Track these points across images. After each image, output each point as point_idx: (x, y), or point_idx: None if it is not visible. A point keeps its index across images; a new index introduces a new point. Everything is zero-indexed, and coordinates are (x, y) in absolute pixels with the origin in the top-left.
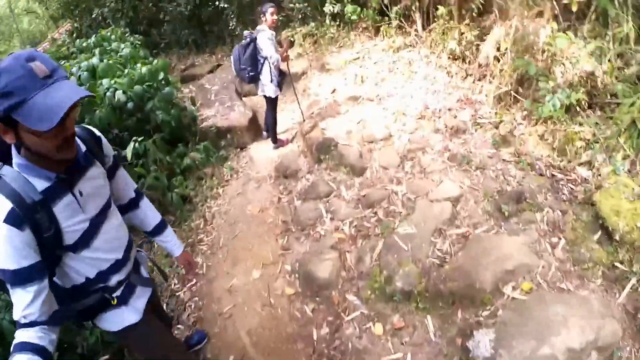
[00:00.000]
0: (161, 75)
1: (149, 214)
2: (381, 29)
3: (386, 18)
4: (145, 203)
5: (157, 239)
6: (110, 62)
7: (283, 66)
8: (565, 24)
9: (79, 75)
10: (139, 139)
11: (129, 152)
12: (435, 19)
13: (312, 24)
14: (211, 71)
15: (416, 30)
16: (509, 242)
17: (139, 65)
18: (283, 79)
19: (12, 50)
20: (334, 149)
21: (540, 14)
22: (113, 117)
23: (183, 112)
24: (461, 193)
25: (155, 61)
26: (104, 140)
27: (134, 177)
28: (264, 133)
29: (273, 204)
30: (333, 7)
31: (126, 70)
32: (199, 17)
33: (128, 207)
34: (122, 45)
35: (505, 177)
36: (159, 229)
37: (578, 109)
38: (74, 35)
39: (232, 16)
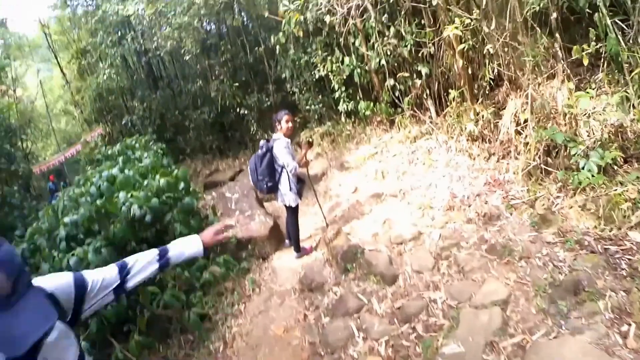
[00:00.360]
0: (182, 185)
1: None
2: (396, 120)
3: (399, 109)
4: None
5: (174, 263)
6: (131, 172)
7: (302, 171)
8: (576, 80)
9: (99, 186)
10: None
11: None
12: (448, 103)
13: (329, 123)
14: (233, 178)
15: (430, 117)
16: (574, 344)
17: (158, 176)
18: (302, 186)
19: (49, 148)
20: (361, 256)
21: (551, 77)
22: (129, 232)
23: (204, 222)
24: (509, 292)
25: (175, 171)
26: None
27: (147, 297)
28: (287, 241)
29: (298, 322)
30: (347, 105)
31: (146, 182)
32: (222, 124)
33: None
34: (145, 154)
35: (555, 264)
36: (164, 261)
37: (615, 167)
38: (106, 139)
39: (252, 122)
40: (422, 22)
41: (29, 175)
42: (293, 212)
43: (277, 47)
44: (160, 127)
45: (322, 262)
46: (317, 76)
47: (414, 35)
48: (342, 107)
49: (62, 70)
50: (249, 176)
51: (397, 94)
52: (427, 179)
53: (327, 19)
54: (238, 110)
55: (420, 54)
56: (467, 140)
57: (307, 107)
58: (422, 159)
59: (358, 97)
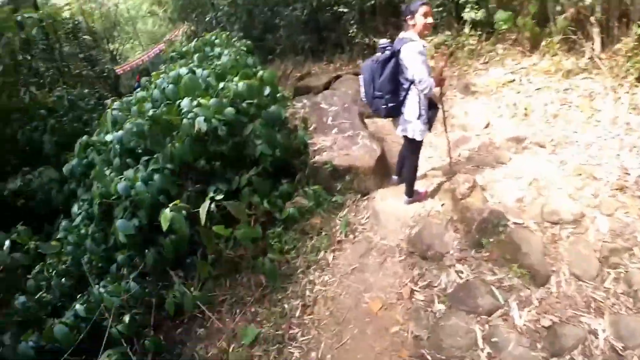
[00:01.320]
0: (267, 91)
1: None
2: (542, 44)
3: (547, 30)
4: None
5: None
6: (205, 72)
7: (435, 92)
8: None
9: (163, 88)
10: (217, 197)
11: (202, 213)
12: (621, 37)
13: (447, 32)
14: (328, 84)
15: (593, 49)
16: None
17: (236, 79)
18: (435, 113)
19: (138, 49)
20: (503, 230)
21: None
22: (192, 150)
23: (292, 137)
24: None
25: (261, 72)
26: None
27: (211, 240)
28: (394, 177)
29: (402, 300)
30: (475, 13)
31: (222, 85)
32: (317, 23)
33: None
34: (226, 51)
35: None
36: None
37: None
38: (191, 37)
39: (351, 22)
40: None
41: (117, 76)
42: (415, 147)
43: None
44: (248, 25)
45: (443, 223)
46: None
47: None
48: (468, 15)
49: None
50: (361, 89)
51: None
52: (586, 135)
53: None
54: (336, 8)
55: None
56: None
57: None
58: (578, 103)
59: (489, 4)
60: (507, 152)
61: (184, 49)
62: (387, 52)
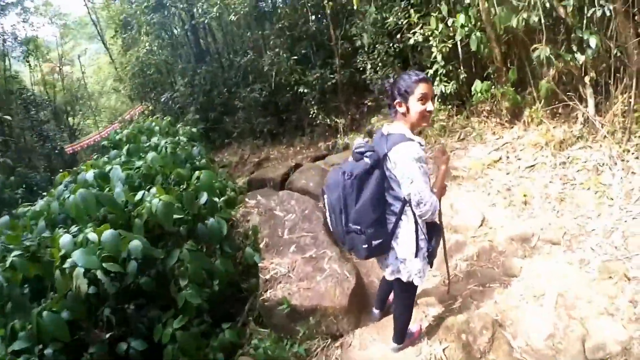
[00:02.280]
0: (204, 198)
1: None
2: (525, 113)
3: (528, 97)
4: None
5: None
6: (122, 174)
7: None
8: None
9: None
10: None
11: None
12: (618, 96)
13: None
14: (287, 175)
15: (586, 112)
16: None
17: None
18: (438, 241)
19: (101, 124)
20: None
21: None
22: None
23: (238, 262)
24: None
25: (195, 177)
26: None
27: None
28: (375, 311)
29: None
30: (445, 86)
31: (140, 196)
32: (276, 104)
33: None
34: (165, 141)
35: None
36: None
37: None
38: (148, 117)
39: (312, 103)
40: None
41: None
42: (410, 290)
43: (354, 3)
44: (205, 106)
45: None
46: (411, 41)
47: None
48: (437, 88)
49: (105, 46)
50: (327, 215)
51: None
52: (603, 220)
53: None
54: (295, 88)
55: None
56: None
57: (386, 87)
58: (583, 180)
59: (460, 76)
60: (514, 258)
61: (116, 137)
62: (367, 161)
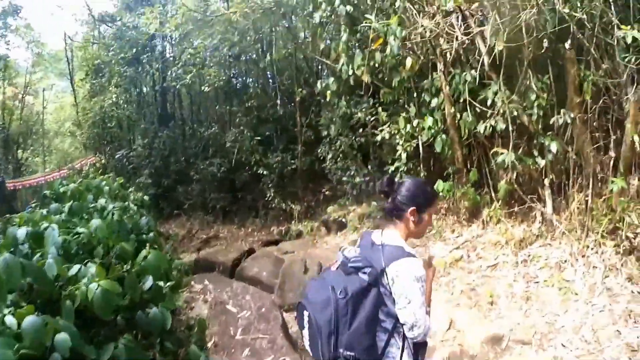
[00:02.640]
0: (149, 283)
1: None
2: (483, 212)
3: (487, 197)
4: None
5: None
6: (59, 238)
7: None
8: None
9: None
10: None
11: None
12: (575, 196)
13: (374, 203)
14: (238, 261)
15: (544, 212)
16: None
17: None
18: (424, 356)
19: (50, 164)
20: None
21: None
22: None
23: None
24: None
25: (142, 256)
26: None
27: None
28: None
29: None
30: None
31: (75, 268)
32: (232, 182)
33: None
34: (112, 205)
35: None
36: None
37: None
38: (99, 171)
39: (270, 185)
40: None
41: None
42: None
43: (326, 95)
44: (159, 171)
45: None
46: (378, 137)
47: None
48: None
49: (72, 87)
50: (305, 335)
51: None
52: (570, 316)
53: (408, 62)
54: (255, 169)
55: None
56: (619, 253)
57: (345, 178)
58: (547, 277)
59: (420, 174)
60: None
61: (61, 190)
62: (365, 278)
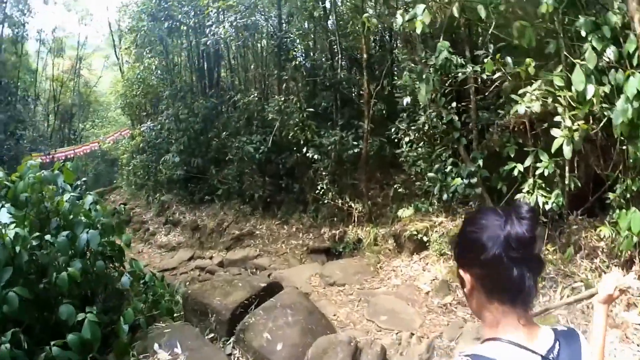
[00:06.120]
0: None
1: None
2: None
3: None
4: None
5: None
6: None
7: None
8: None
9: None
10: None
11: None
12: None
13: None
14: (243, 308)
15: None
16: None
17: None
18: None
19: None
20: None
21: None
22: None
23: None
24: None
25: None
26: None
27: None
28: None
29: None
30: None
31: None
32: (277, 166)
33: None
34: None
35: None
36: None
37: None
38: (137, 142)
39: (323, 173)
40: None
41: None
42: None
43: (411, 34)
44: (190, 149)
45: None
46: (511, 111)
47: None
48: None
49: (116, 56)
50: None
51: None
52: None
53: None
54: (305, 150)
55: None
56: None
57: (431, 174)
58: None
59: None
60: None
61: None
62: None
